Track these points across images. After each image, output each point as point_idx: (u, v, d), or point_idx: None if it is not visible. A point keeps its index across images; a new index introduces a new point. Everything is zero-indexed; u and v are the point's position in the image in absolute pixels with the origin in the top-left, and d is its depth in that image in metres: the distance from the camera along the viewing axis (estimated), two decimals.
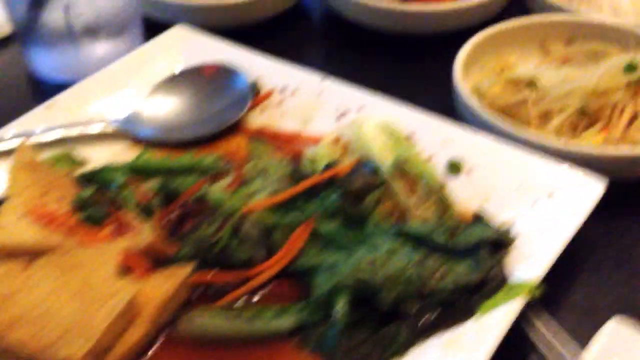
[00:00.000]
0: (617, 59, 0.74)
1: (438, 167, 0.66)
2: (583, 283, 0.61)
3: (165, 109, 0.71)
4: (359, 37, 0.90)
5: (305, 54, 0.91)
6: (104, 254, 0.53)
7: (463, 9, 0.86)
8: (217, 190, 0.62)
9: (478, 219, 0.61)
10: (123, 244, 0.55)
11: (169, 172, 0.64)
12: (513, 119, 0.73)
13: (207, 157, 0.66)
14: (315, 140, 0.69)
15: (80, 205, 0.57)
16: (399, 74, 0.86)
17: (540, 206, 0.61)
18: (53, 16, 0.77)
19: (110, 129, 0.69)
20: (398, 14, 0.86)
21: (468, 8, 0.86)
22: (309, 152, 0.68)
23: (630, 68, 0.72)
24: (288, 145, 0.69)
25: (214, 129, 0.70)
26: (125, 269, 0.53)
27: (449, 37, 0.85)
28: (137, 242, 0.55)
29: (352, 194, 0.61)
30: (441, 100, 0.76)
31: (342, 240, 0.58)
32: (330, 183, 0.61)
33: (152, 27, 0.83)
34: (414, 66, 0.87)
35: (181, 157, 0.66)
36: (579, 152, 0.65)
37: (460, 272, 0.55)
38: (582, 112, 0.71)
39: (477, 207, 0.63)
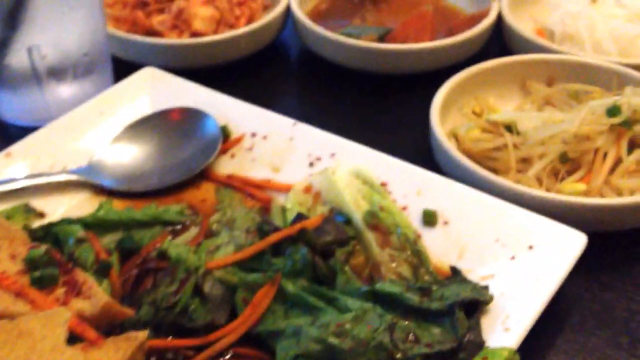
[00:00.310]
0: (599, 102, 0.71)
1: (413, 217, 0.63)
2: (565, 342, 0.58)
3: (129, 156, 0.68)
4: (337, 77, 0.88)
5: (280, 95, 0.88)
6: (53, 320, 0.50)
7: (441, 48, 0.83)
8: (179, 244, 0.59)
9: (454, 274, 0.58)
10: (76, 306, 0.52)
11: (130, 225, 0.61)
12: (492, 165, 0.70)
13: (172, 208, 0.63)
14: (287, 188, 0.66)
15: (32, 266, 0.54)
16: (377, 115, 0.83)
17: (519, 260, 0.58)
18: (16, 58, 0.74)
19: (71, 178, 0.66)
20: (375, 53, 0.83)
21: (446, 47, 0.84)
22: (279, 201, 0.65)
23: (613, 111, 0.70)
24: (258, 193, 0.66)
25: (180, 177, 0.67)
26: (76, 336, 0.50)
27: (429, 75, 0.83)
28: (91, 304, 0.52)
29: (322, 249, 0.58)
30: (420, 142, 0.73)
31: (310, 300, 0.54)
32: (299, 237, 0.58)
33: (125, 67, 0.80)
34: (392, 106, 0.85)
35: (144, 208, 0.63)
36: (559, 202, 0.62)
37: (435, 336, 0.52)
38: (564, 158, 0.68)
39: (453, 260, 0.60)
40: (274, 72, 0.90)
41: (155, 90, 0.74)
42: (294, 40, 0.93)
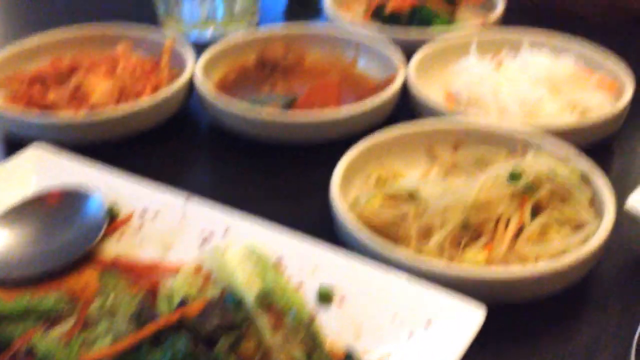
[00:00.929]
0: (500, 167, 0.70)
1: (309, 294, 0.60)
2: None
3: (3, 242, 0.64)
4: (243, 147, 0.85)
5: (184, 167, 0.85)
6: None
7: (347, 117, 0.82)
8: (50, 339, 0.54)
9: (348, 358, 0.55)
10: None
11: (1, 318, 0.57)
12: (395, 235, 0.68)
13: (49, 296, 0.59)
14: (176, 270, 0.62)
15: None
16: (282, 184, 0.81)
17: (416, 337, 0.56)
18: None
19: None
20: (278, 124, 0.81)
21: (352, 116, 0.82)
22: (167, 284, 0.61)
23: (514, 177, 0.68)
24: (145, 277, 0.63)
25: (60, 263, 0.62)
26: None
27: (338, 142, 0.81)
28: None
29: (206, 336, 0.54)
30: (324, 212, 0.70)
31: None
32: (181, 324, 0.54)
33: (18, 145, 0.76)
34: (298, 175, 0.82)
35: (17, 298, 0.58)
36: (457, 274, 0.60)
37: None
38: (465, 227, 0.66)
39: (351, 340, 0.57)
40: (178, 143, 0.87)
41: (42, 169, 0.71)
42: (200, 110, 0.90)
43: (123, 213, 0.67)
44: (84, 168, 0.71)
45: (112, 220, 0.66)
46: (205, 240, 0.65)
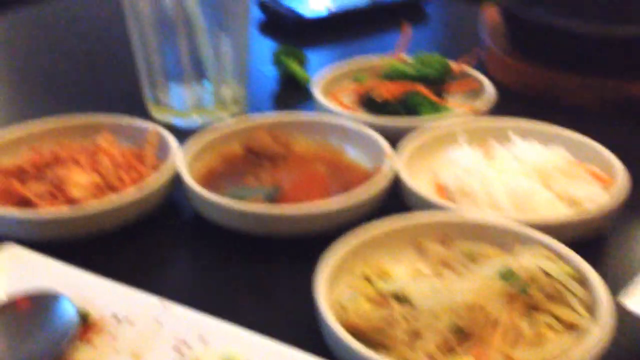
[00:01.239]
0: (492, 266, 0.67)
1: None
2: None
3: None
4: (227, 240, 0.82)
5: (164, 263, 0.82)
6: None
7: (335, 211, 0.80)
8: None
9: None
10: None
11: None
12: (382, 339, 0.64)
13: None
14: None
15: None
16: (265, 281, 0.78)
17: None
18: None
19: None
20: (262, 217, 0.79)
21: (340, 210, 0.80)
22: None
23: (506, 276, 0.66)
24: None
25: None
26: None
27: (323, 236, 0.78)
28: None
29: None
30: (309, 311, 0.67)
31: None
32: None
33: None
34: (284, 270, 0.79)
35: None
36: None
37: None
38: (455, 329, 0.63)
39: None
40: (160, 236, 0.85)
41: (12, 271, 0.68)
42: (184, 201, 0.88)
43: (94, 318, 0.64)
44: (56, 269, 0.68)
45: (84, 326, 0.63)
46: (180, 349, 0.61)
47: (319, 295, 0.66)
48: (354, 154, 0.96)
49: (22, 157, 0.88)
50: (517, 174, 0.83)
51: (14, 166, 0.85)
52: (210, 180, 0.90)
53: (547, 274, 0.67)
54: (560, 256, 0.70)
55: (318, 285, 0.67)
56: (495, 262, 0.68)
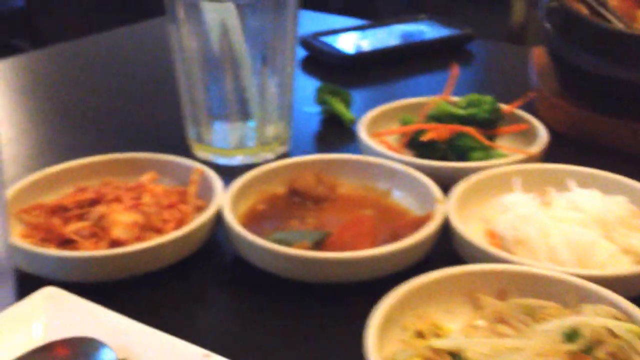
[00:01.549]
0: (555, 324, 0.63)
1: None
2: None
3: None
4: (270, 286, 0.79)
5: (206, 306, 0.79)
6: None
7: (383, 257, 0.76)
8: None
9: None
10: None
11: None
12: None
13: None
14: None
15: None
16: (311, 329, 0.74)
17: None
18: None
19: None
20: (308, 262, 0.76)
21: (389, 256, 0.76)
22: None
23: (571, 336, 0.62)
24: None
25: None
26: None
27: (371, 282, 0.75)
28: None
29: None
30: None
31: None
32: None
33: (36, 283, 0.71)
34: (333, 318, 0.76)
35: None
36: None
37: None
38: None
39: None
40: (200, 278, 0.82)
41: (52, 315, 0.65)
42: (226, 242, 0.85)
43: None
44: (96, 314, 0.65)
45: None
46: None
47: (370, 351, 0.62)
48: (401, 198, 0.93)
49: (64, 195, 0.86)
50: (577, 223, 0.79)
51: (56, 204, 0.83)
52: (253, 221, 0.88)
53: (614, 334, 0.63)
54: (626, 314, 0.66)
55: (368, 340, 0.63)
56: (558, 320, 0.64)
